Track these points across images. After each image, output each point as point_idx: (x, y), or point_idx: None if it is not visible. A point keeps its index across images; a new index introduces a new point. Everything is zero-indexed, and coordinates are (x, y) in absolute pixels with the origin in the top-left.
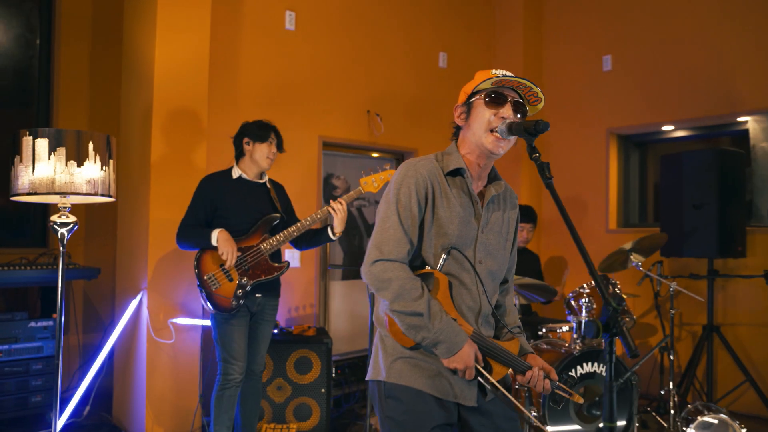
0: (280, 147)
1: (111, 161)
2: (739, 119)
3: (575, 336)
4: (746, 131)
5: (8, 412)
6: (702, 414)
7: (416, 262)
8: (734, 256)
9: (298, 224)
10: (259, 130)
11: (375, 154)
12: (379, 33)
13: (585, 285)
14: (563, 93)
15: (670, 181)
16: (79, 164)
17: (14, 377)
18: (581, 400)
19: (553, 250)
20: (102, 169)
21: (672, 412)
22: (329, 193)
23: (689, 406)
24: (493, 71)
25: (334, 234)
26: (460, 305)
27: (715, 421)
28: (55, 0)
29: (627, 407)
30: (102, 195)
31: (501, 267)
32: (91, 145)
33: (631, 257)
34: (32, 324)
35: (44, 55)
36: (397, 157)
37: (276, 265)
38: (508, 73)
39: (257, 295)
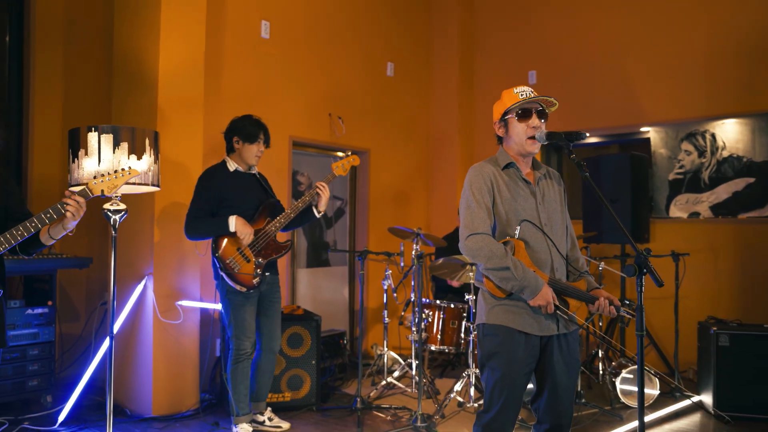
0: (267, 143)
1: (159, 155)
2: (642, 129)
3: None
4: (648, 139)
5: (6, 396)
6: (625, 367)
7: (499, 236)
8: (641, 242)
9: (293, 206)
10: (248, 130)
11: (339, 153)
12: (339, 43)
13: None
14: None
15: (592, 179)
16: (139, 157)
17: (12, 363)
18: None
19: None
20: (156, 162)
21: (601, 367)
22: (295, 188)
23: (613, 362)
24: (515, 91)
25: (318, 212)
26: (537, 260)
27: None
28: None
29: None
30: (153, 185)
31: (562, 227)
32: (147, 141)
33: None
34: (29, 311)
35: (14, 53)
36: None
37: (283, 243)
38: (531, 91)
39: (266, 273)
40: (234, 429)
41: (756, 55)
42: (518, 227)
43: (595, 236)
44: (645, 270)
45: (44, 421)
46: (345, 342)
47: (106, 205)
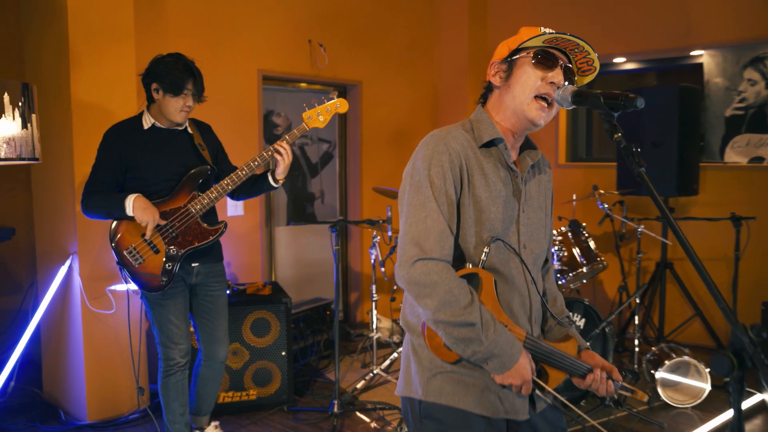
0: (199, 96)
1: (33, 116)
2: (693, 53)
3: None
4: (700, 65)
5: None
6: (668, 357)
7: (455, 254)
8: (690, 194)
9: (234, 175)
10: (171, 78)
11: (318, 87)
12: None
13: (555, 231)
14: (510, 10)
15: (628, 117)
16: None
17: None
18: (645, 397)
19: None
20: (26, 126)
21: (637, 350)
22: (270, 132)
23: (654, 349)
24: (542, 28)
25: (276, 181)
26: (510, 304)
27: (681, 362)
28: None
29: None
30: (25, 159)
31: (543, 247)
32: (6, 97)
33: (597, 196)
34: None
35: None
36: (340, 90)
37: (211, 228)
38: (560, 32)
39: (193, 264)
40: None
41: None
42: (487, 248)
43: (631, 186)
44: (750, 364)
45: None
46: (330, 313)
47: None
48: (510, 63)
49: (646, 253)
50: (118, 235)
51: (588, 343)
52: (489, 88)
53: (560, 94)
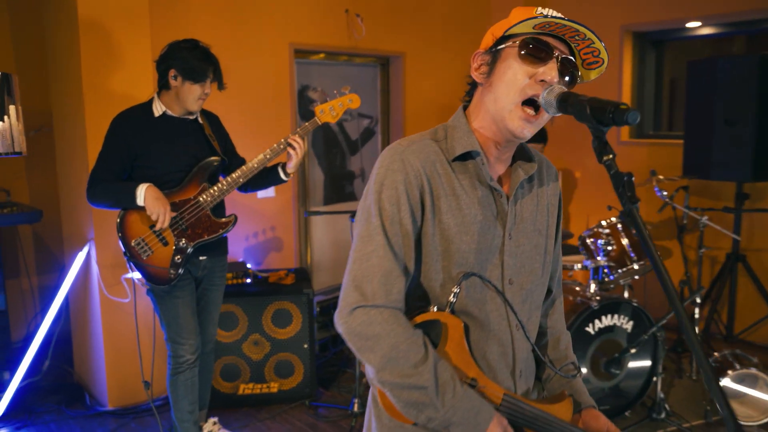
0: (220, 84)
1: (12, 107)
2: None
3: (593, 285)
4: None
5: None
6: (732, 367)
7: (417, 293)
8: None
9: (246, 167)
10: (192, 65)
11: (357, 60)
12: None
13: (603, 222)
14: None
15: (698, 91)
16: None
17: None
18: None
19: (560, 165)
20: (1, 119)
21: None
22: (305, 108)
23: (716, 354)
24: (539, 9)
25: (287, 174)
26: (486, 356)
27: (747, 374)
28: None
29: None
30: (4, 154)
31: (540, 280)
32: None
33: (655, 182)
34: None
35: None
36: (382, 63)
37: (221, 220)
38: (558, 15)
39: (201, 257)
40: None
41: None
42: (456, 288)
43: (701, 171)
44: None
45: None
46: None
47: None
48: (494, 54)
49: (710, 248)
50: (126, 226)
51: (593, 402)
52: (473, 85)
53: (545, 96)
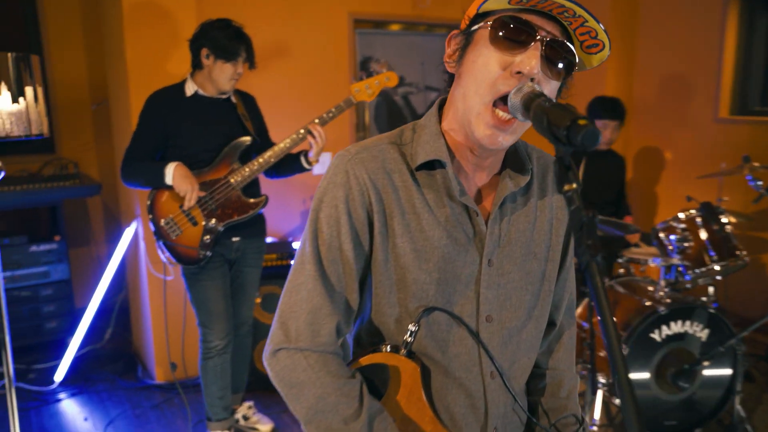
0: (251, 64)
1: (30, 88)
2: None
3: (663, 286)
4: None
5: (24, 339)
6: None
7: (370, 329)
8: None
9: (277, 147)
10: (224, 44)
11: (422, 29)
12: None
13: (681, 215)
14: None
15: None
16: None
17: (25, 304)
18: None
19: (642, 143)
20: (16, 100)
21: None
22: None
23: None
24: None
25: (309, 163)
26: (449, 408)
27: None
28: None
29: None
30: (16, 138)
31: (531, 315)
32: None
33: (748, 171)
34: (34, 248)
35: None
36: (450, 31)
37: (251, 201)
38: None
39: (234, 239)
40: None
41: None
42: (414, 326)
43: None
44: None
45: (43, 379)
46: None
47: None
48: (467, 37)
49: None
50: (156, 205)
51: None
52: (451, 76)
53: (511, 97)
